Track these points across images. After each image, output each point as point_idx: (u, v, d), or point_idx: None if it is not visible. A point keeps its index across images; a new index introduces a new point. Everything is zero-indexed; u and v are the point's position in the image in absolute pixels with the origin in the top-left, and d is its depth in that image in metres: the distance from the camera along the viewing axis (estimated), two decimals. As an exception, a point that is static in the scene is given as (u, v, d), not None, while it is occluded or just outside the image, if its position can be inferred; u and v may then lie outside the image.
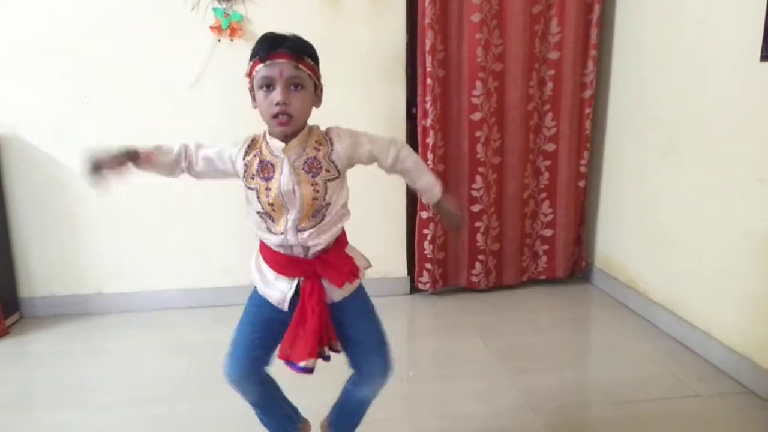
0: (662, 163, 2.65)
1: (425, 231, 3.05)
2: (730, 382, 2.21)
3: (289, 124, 1.30)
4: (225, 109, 2.78)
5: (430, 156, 2.95)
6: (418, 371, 2.38)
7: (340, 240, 1.47)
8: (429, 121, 2.92)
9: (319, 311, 1.37)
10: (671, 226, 2.61)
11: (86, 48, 2.75)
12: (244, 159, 1.38)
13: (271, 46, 1.28)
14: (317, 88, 1.37)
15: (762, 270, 2.11)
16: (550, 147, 3.14)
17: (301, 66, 1.29)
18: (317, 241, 1.38)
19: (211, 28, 2.78)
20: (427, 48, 2.85)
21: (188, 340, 2.67)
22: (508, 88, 3.01)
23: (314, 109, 1.39)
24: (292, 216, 1.35)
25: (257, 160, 1.36)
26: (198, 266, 3.02)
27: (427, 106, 2.91)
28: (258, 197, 1.36)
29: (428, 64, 2.86)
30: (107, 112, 2.81)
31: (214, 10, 2.78)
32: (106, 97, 2.80)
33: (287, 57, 1.27)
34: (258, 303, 1.49)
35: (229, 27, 2.78)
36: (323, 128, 1.42)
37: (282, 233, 1.36)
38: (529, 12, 2.94)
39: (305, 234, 1.36)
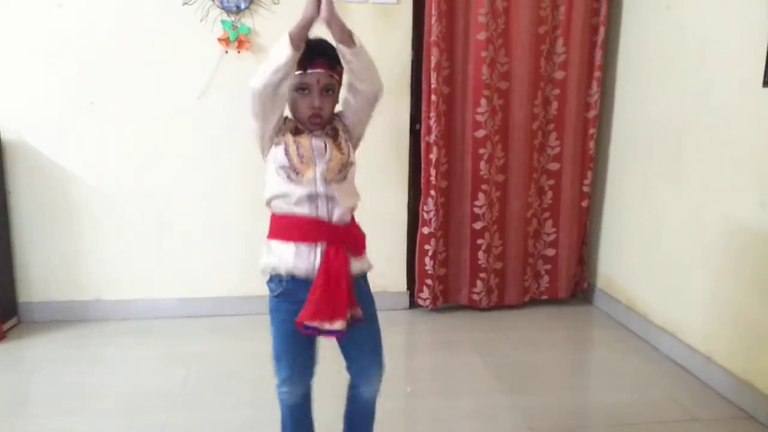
0: (664, 185, 2.65)
1: (426, 246, 3.04)
2: (730, 407, 2.19)
3: (320, 124, 1.47)
4: (231, 120, 2.79)
5: (433, 172, 2.95)
6: (416, 388, 2.37)
7: (353, 223, 1.58)
8: (433, 137, 2.93)
9: (346, 272, 1.44)
10: (672, 249, 2.60)
11: (94, 56, 2.77)
12: (284, 123, 1.50)
13: (311, 57, 1.42)
14: (340, 86, 1.53)
15: (763, 295, 2.09)
16: (554, 166, 3.15)
17: (334, 75, 1.46)
18: (342, 196, 1.49)
19: (219, 39, 2.81)
20: (433, 65, 2.86)
21: (186, 350, 2.66)
22: (513, 106, 3.02)
23: None
24: (320, 168, 1.45)
25: (292, 126, 1.50)
26: (197, 275, 3.01)
27: (431, 122, 2.92)
28: (286, 150, 1.45)
29: (433, 80, 2.88)
30: (113, 120, 2.83)
31: (223, 22, 2.80)
32: (112, 104, 2.82)
33: (325, 67, 1.43)
34: (286, 311, 1.48)
35: (236, 39, 2.80)
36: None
37: (310, 183, 1.45)
38: (534, 32, 2.96)
39: (332, 186, 1.47)
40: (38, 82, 2.76)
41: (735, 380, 2.21)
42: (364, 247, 1.56)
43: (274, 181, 1.47)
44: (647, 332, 2.78)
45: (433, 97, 2.89)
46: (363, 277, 1.57)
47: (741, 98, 2.19)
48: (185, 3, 2.77)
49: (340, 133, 1.52)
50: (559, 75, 3.03)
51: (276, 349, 1.54)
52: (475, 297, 3.14)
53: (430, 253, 3.04)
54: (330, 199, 1.47)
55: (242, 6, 2.80)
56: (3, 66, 2.73)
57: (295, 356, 1.54)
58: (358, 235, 1.57)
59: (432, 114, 2.91)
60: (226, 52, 2.82)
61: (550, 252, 3.23)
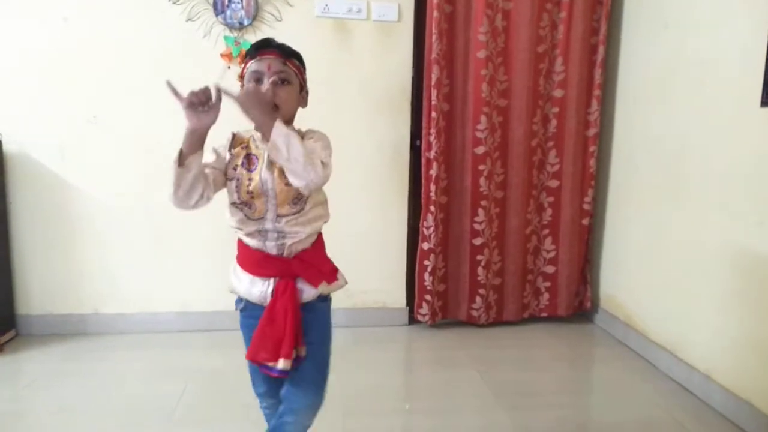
0: (664, 203, 2.66)
1: (426, 262, 3.04)
2: (729, 426, 2.18)
3: (276, 115, 1.34)
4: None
5: (432, 187, 2.97)
6: (414, 404, 2.35)
7: (318, 245, 1.49)
8: (433, 153, 2.95)
9: (293, 309, 1.38)
10: (672, 267, 2.61)
11: (97, 70, 2.80)
12: (230, 151, 1.45)
13: (261, 45, 1.42)
14: (303, 89, 1.48)
15: (763, 313, 2.09)
16: (554, 183, 3.16)
17: (287, 63, 1.41)
18: (296, 229, 1.40)
19: (222, 55, 2.83)
20: (433, 82, 2.89)
21: (183, 364, 2.65)
22: (513, 123, 3.04)
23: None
24: (271, 203, 1.39)
25: (244, 153, 1.43)
26: (195, 289, 3.01)
27: (431, 138, 2.94)
28: (238, 187, 1.40)
29: (433, 97, 2.90)
30: (115, 134, 2.85)
31: (225, 38, 2.83)
32: (115, 118, 2.83)
33: (275, 54, 1.40)
34: (249, 326, 1.47)
35: (239, 55, 2.83)
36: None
37: (260, 218, 1.40)
38: (534, 50, 2.99)
39: (283, 221, 1.40)
40: (41, 95, 2.78)
41: (734, 399, 2.20)
42: (324, 275, 1.45)
43: (228, 211, 1.45)
44: (646, 350, 2.77)
45: (433, 114, 2.92)
46: (323, 299, 1.50)
47: (739, 117, 2.20)
48: (189, 19, 2.80)
49: None
50: (558, 93, 3.06)
51: (249, 365, 1.51)
52: (474, 313, 3.13)
53: (429, 269, 3.04)
54: (281, 233, 1.41)
55: (245, 23, 2.83)
56: (6, 78, 2.75)
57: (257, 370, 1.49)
58: (316, 264, 1.45)
59: (432, 130, 2.93)
60: (229, 67, 2.85)
61: (550, 269, 3.23)
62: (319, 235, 1.50)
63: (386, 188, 3.07)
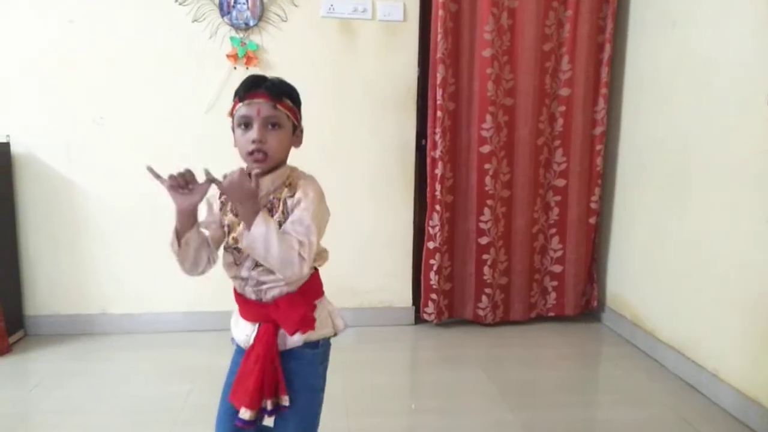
0: (670, 201, 2.65)
1: (431, 261, 3.04)
2: (737, 426, 2.16)
3: (265, 162, 1.30)
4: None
5: (438, 187, 2.96)
6: (420, 404, 2.35)
7: (304, 288, 1.37)
8: (438, 153, 2.95)
9: (263, 357, 1.30)
10: (679, 266, 2.59)
11: (104, 71, 2.81)
12: (220, 198, 1.39)
13: (250, 86, 1.31)
14: (296, 129, 1.37)
15: (771, 312, 2.08)
16: (561, 182, 3.15)
17: (279, 106, 1.30)
18: (271, 277, 1.32)
19: (228, 56, 2.84)
20: (438, 81, 2.89)
21: (190, 364, 2.66)
22: (519, 122, 3.03)
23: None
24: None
25: None
26: (202, 289, 3.01)
27: (437, 137, 2.93)
28: (229, 233, 1.36)
29: (439, 97, 2.90)
30: (121, 134, 2.86)
31: (231, 39, 2.84)
32: (121, 119, 2.85)
33: (265, 97, 1.29)
34: (235, 362, 1.45)
35: (245, 55, 2.83)
36: (307, 174, 1.39)
37: (240, 264, 1.35)
38: (540, 49, 2.98)
39: (257, 270, 1.33)
40: (48, 96, 2.80)
41: (742, 397, 2.19)
42: (299, 323, 1.32)
43: (224, 256, 1.40)
44: (654, 349, 2.76)
45: (439, 113, 2.91)
46: (312, 346, 1.38)
47: (746, 115, 2.19)
48: (195, 20, 2.81)
49: (278, 212, 1.30)
50: (564, 92, 3.05)
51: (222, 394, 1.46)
52: (480, 312, 3.12)
53: (435, 268, 3.04)
54: (258, 282, 1.34)
55: (251, 23, 2.83)
56: (14, 80, 2.77)
57: (230, 416, 1.38)
58: (294, 310, 1.33)
59: (437, 130, 2.93)
60: (235, 68, 2.86)
61: (557, 268, 3.22)
62: (312, 276, 1.40)
63: (392, 187, 3.07)
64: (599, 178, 3.14)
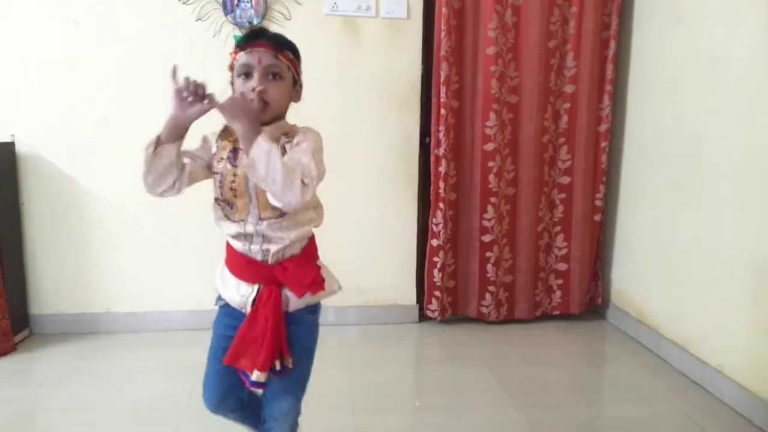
0: (676, 199, 2.64)
1: (435, 259, 3.04)
2: (742, 422, 2.16)
3: (265, 111, 1.29)
4: (241, 134, 2.82)
5: (441, 184, 2.96)
6: (424, 402, 2.35)
7: (308, 251, 1.39)
8: (442, 150, 2.94)
9: (273, 320, 1.30)
10: (683, 263, 2.59)
11: (108, 72, 2.81)
12: (217, 141, 1.37)
13: (251, 36, 1.32)
14: (296, 83, 1.37)
15: (777, 309, 2.08)
16: (565, 180, 3.14)
17: (280, 56, 1.31)
18: (280, 234, 1.32)
19: (232, 54, 2.83)
20: (442, 79, 2.88)
21: (195, 362, 2.62)
22: (523, 120, 3.02)
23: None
24: (253, 205, 1.32)
25: (231, 146, 1.34)
26: (206, 288, 3.01)
27: (440, 135, 2.93)
28: (221, 182, 1.33)
29: (442, 94, 2.89)
30: (126, 134, 2.85)
31: (235, 37, 2.83)
32: (126, 119, 2.85)
33: (266, 46, 1.30)
34: (224, 325, 1.43)
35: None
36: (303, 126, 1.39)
37: (241, 220, 1.32)
38: (544, 46, 2.97)
39: (265, 224, 1.31)
40: (53, 97, 2.80)
41: (747, 394, 2.19)
42: (311, 285, 1.34)
43: (214, 210, 1.37)
44: (658, 346, 2.76)
45: (443, 111, 2.91)
46: (311, 311, 1.42)
47: (752, 112, 2.18)
48: (199, 19, 2.81)
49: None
50: (569, 89, 3.04)
51: (206, 367, 1.46)
52: (484, 310, 3.12)
53: (438, 265, 3.04)
54: (265, 237, 1.32)
55: (255, 21, 2.83)
56: (19, 80, 2.77)
57: (222, 378, 1.42)
58: (304, 273, 1.34)
59: (441, 127, 2.92)
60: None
61: (562, 266, 3.22)
62: (311, 239, 1.42)
63: (395, 185, 3.07)
64: (604, 176, 3.13)
